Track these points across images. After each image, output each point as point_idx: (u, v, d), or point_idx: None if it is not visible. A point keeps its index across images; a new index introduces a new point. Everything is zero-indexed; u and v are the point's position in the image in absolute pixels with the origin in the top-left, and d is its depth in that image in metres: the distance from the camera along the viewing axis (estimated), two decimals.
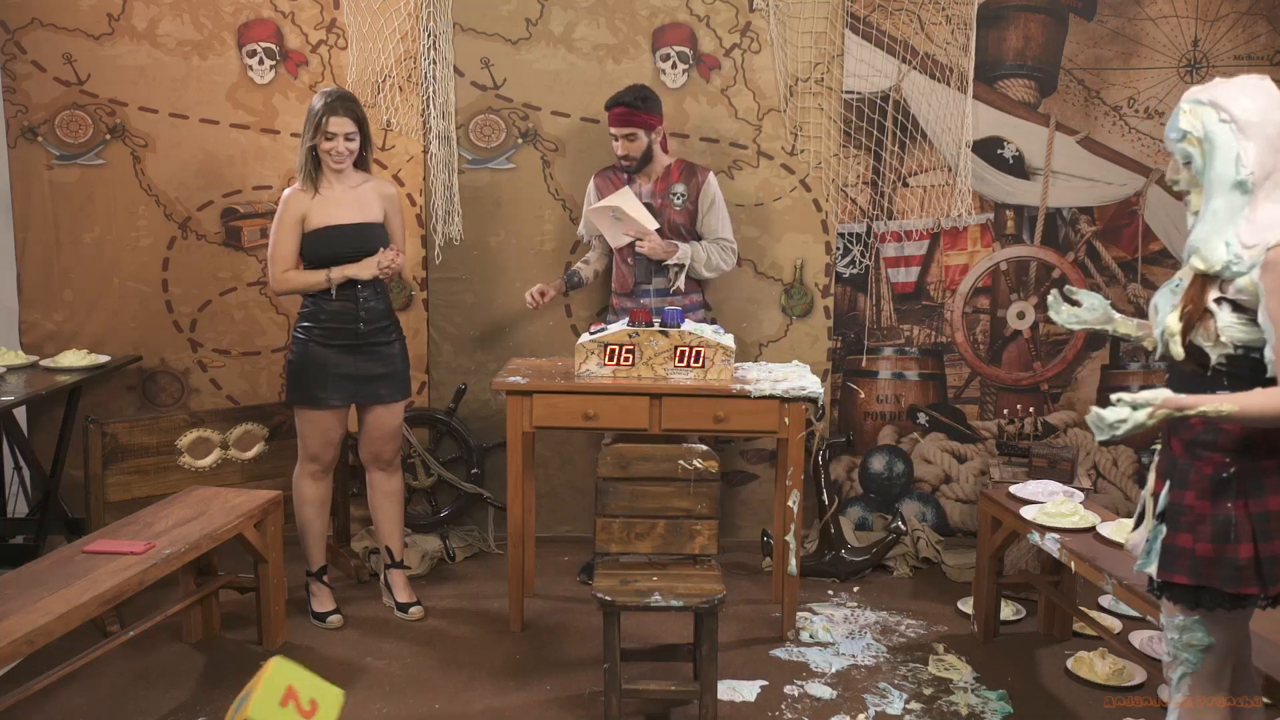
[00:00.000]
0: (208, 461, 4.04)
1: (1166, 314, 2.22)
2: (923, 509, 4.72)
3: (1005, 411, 4.63)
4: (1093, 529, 3.31)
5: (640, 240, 3.99)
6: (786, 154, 4.52)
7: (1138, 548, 2.36)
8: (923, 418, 4.68)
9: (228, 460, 4.08)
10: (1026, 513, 3.46)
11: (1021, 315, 4.62)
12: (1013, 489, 3.68)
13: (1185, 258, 2.21)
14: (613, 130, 4.02)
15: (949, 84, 4.46)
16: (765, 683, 3.44)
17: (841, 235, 4.57)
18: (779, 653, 3.66)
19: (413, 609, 3.91)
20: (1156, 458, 2.35)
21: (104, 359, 4.38)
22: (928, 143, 4.51)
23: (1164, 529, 2.25)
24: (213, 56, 4.50)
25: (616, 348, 3.75)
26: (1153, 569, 2.27)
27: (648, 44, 4.48)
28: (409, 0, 4.41)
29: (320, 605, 3.87)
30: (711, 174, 4.14)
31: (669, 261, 4.03)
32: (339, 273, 3.65)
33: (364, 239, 3.70)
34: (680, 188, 4.08)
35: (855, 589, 4.25)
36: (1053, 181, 4.53)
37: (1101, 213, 4.55)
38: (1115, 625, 3.83)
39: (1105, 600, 4.05)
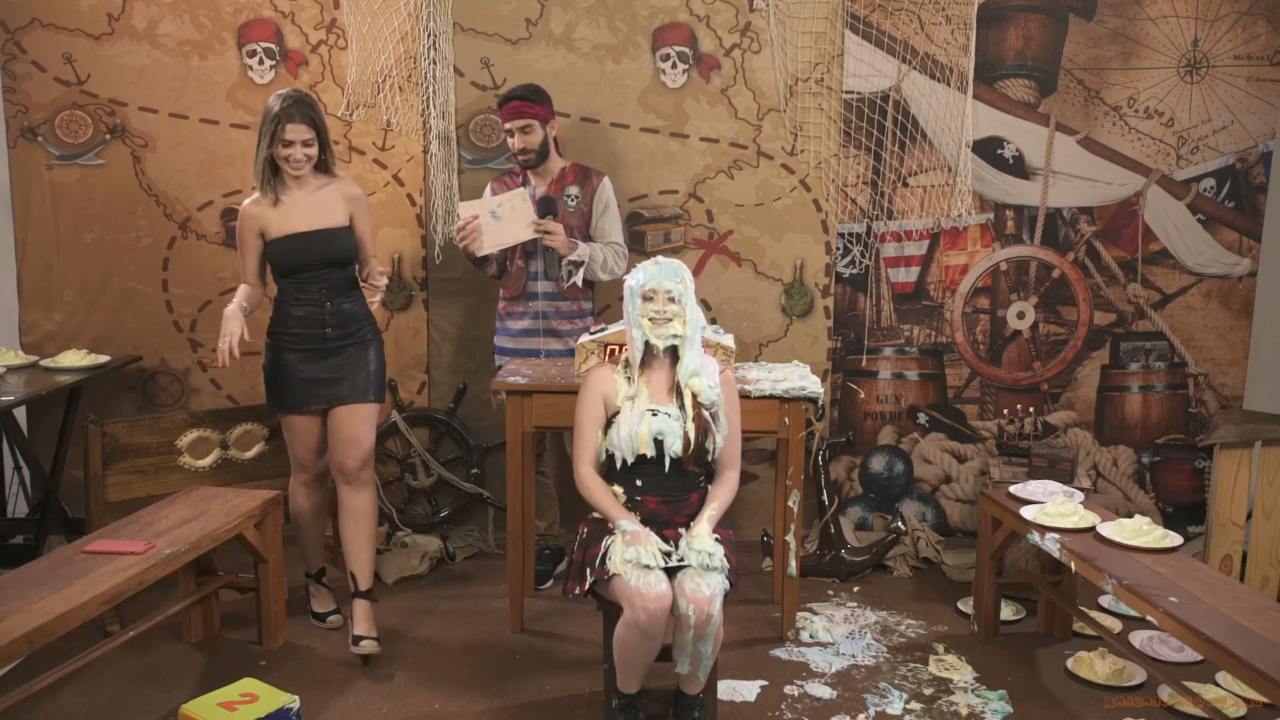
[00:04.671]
0: (208, 461, 4.04)
1: (672, 439, 2.99)
2: (923, 509, 4.72)
3: (1005, 411, 4.63)
4: (1093, 529, 3.31)
5: (548, 234, 3.96)
6: (786, 154, 4.53)
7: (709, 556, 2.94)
8: (923, 418, 4.68)
9: (228, 460, 4.08)
10: (1026, 513, 3.46)
11: (1021, 315, 4.62)
12: (1013, 489, 3.68)
13: (685, 379, 3.04)
14: (507, 125, 4.00)
15: (949, 84, 4.46)
16: (765, 683, 3.44)
17: (841, 235, 4.58)
18: (779, 653, 3.67)
19: (364, 642, 3.51)
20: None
21: (104, 359, 4.38)
22: (928, 143, 4.51)
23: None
24: (213, 56, 4.50)
25: (616, 348, 3.74)
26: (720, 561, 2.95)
27: (648, 44, 4.48)
28: (409, 0, 4.41)
29: (320, 605, 3.87)
30: (606, 178, 4.13)
31: (570, 258, 4.01)
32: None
33: (328, 245, 3.54)
34: (574, 189, 4.08)
35: (855, 589, 4.25)
36: (1053, 181, 4.53)
37: (1101, 213, 4.55)
38: (1115, 625, 3.83)
39: (1105, 600, 4.06)
